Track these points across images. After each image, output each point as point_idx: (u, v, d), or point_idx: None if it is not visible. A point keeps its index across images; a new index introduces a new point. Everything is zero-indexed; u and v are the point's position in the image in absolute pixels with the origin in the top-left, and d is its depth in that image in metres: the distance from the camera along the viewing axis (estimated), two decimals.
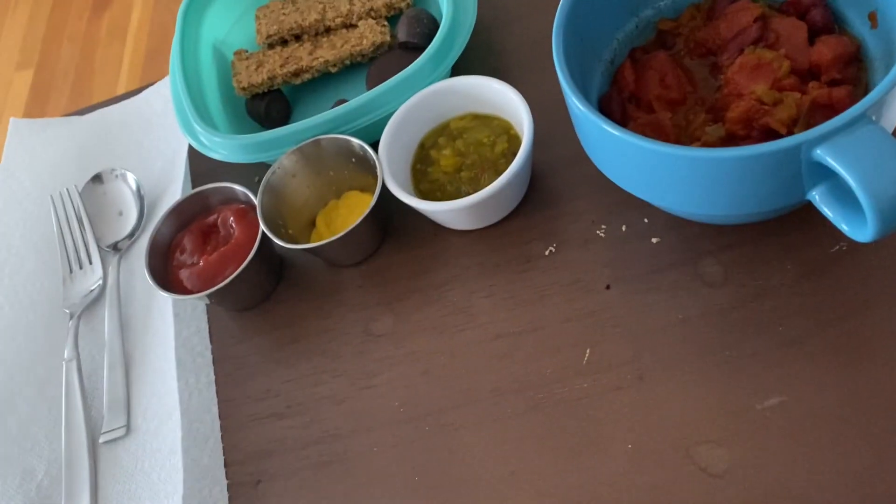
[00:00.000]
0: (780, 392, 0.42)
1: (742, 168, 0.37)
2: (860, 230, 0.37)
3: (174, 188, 0.61)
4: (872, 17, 0.43)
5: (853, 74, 0.43)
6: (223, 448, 0.51)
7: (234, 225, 0.54)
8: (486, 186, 0.49)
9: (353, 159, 0.54)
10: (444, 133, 0.54)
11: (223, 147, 0.56)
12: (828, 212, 0.39)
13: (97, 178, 0.64)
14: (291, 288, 0.56)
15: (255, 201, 0.53)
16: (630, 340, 0.46)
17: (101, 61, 2.01)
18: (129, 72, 1.89)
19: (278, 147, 0.55)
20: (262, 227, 0.52)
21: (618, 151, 0.41)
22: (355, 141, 0.53)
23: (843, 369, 0.42)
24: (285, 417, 0.51)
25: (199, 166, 0.64)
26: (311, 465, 0.49)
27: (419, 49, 0.58)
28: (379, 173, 0.51)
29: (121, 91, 1.83)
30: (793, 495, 0.40)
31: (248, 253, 0.52)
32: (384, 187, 0.51)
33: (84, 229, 0.63)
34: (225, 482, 0.50)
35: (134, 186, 0.63)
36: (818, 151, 0.36)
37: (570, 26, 0.45)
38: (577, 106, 0.41)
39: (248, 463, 0.50)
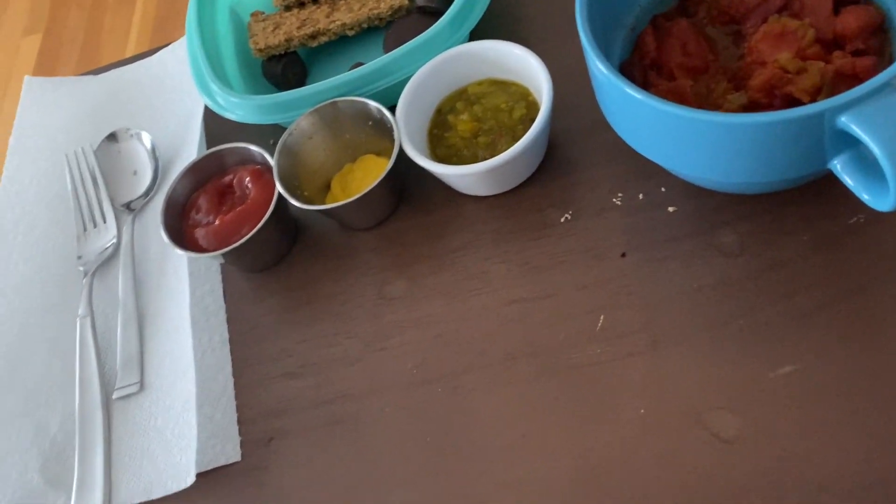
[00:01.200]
0: (793, 361, 0.43)
1: (765, 134, 0.37)
2: (881, 199, 0.37)
3: (189, 149, 0.61)
4: None
5: (878, 45, 0.43)
6: (236, 406, 0.52)
7: (249, 185, 0.54)
8: (503, 152, 0.48)
9: (370, 122, 0.54)
10: (461, 98, 0.54)
11: (239, 107, 0.56)
12: (849, 181, 0.39)
13: (112, 137, 0.64)
14: (306, 250, 0.57)
15: (272, 162, 0.53)
16: (644, 308, 0.47)
17: (110, 26, 2.00)
18: (138, 38, 1.88)
19: (295, 109, 0.55)
20: (279, 187, 0.52)
21: (639, 116, 0.41)
22: (372, 103, 0.53)
23: (857, 340, 0.42)
24: (298, 377, 0.51)
25: (214, 129, 0.63)
26: (323, 424, 0.49)
27: (438, 13, 0.58)
28: (396, 136, 0.51)
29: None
30: (803, 462, 0.40)
31: (264, 213, 0.52)
32: (400, 151, 0.51)
33: (98, 188, 0.63)
34: (237, 439, 0.50)
35: (149, 146, 0.63)
36: (842, 119, 0.36)
37: None
38: (600, 69, 0.41)
39: (261, 421, 0.51)
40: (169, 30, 1.84)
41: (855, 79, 0.41)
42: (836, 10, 0.44)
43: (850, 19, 0.43)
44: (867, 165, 0.38)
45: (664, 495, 0.41)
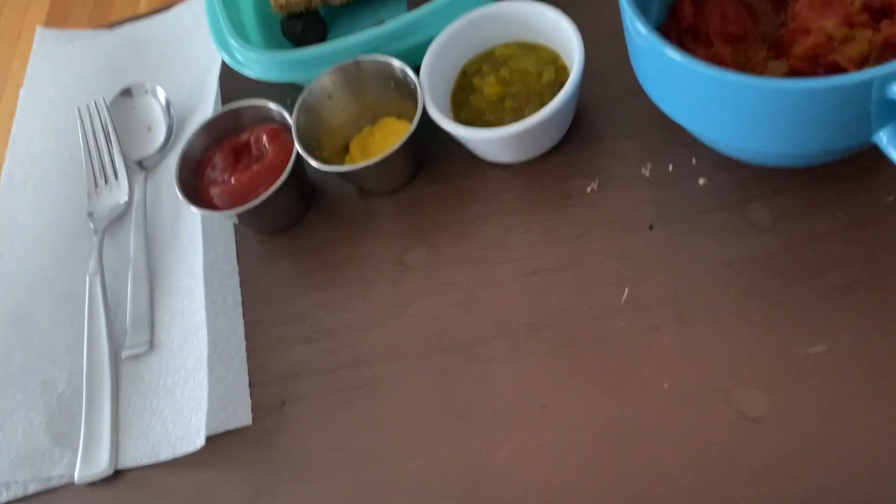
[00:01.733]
0: (824, 340, 0.41)
1: (811, 101, 0.36)
2: None
3: (204, 107, 0.60)
4: None
5: None
6: (248, 369, 0.50)
7: (266, 145, 0.53)
8: (529, 117, 0.47)
9: (393, 83, 0.53)
10: (488, 61, 0.53)
11: (258, 63, 0.55)
12: (895, 153, 0.37)
13: (126, 92, 0.62)
14: (322, 214, 0.55)
15: (290, 121, 0.52)
16: (671, 281, 0.45)
17: None
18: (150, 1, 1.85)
19: (315, 66, 0.54)
20: (297, 146, 0.51)
21: (679, 81, 0.39)
22: (396, 63, 0.52)
23: (890, 320, 0.41)
24: (313, 341, 0.50)
25: (230, 88, 0.62)
26: (337, 389, 0.48)
27: None
28: (420, 98, 0.50)
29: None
30: (831, 443, 0.39)
31: (281, 174, 0.51)
32: (423, 114, 0.50)
33: (111, 143, 0.61)
34: (249, 402, 0.49)
35: (164, 102, 0.62)
36: (894, 88, 0.34)
37: None
38: (639, 30, 0.39)
39: (274, 384, 0.50)
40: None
41: None
42: None
43: None
44: None
45: (686, 471, 0.40)
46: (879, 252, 0.43)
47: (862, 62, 0.39)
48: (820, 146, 0.39)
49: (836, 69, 0.40)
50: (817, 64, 0.41)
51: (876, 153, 0.39)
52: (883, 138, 0.38)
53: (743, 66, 0.44)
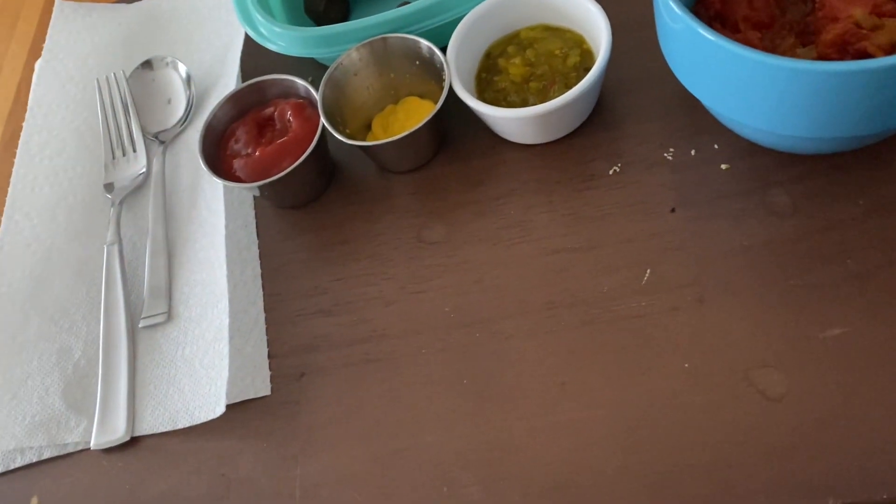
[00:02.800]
0: (843, 324, 0.42)
1: (841, 84, 0.36)
2: None
3: (226, 81, 0.60)
4: None
5: None
6: (267, 340, 0.51)
7: (291, 119, 0.53)
8: (554, 99, 0.47)
9: (418, 62, 0.53)
10: (513, 42, 0.53)
11: (282, 38, 0.55)
12: None
13: (147, 65, 0.63)
14: (342, 190, 0.56)
15: (315, 96, 0.52)
16: (692, 264, 0.46)
17: None
18: None
19: (340, 43, 0.54)
20: (323, 119, 0.51)
21: (710, 61, 0.40)
22: (424, 42, 0.52)
23: None
24: (332, 315, 0.51)
25: (250, 65, 0.62)
26: (356, 362, 0.49)
27: None
28: (447, 77, 0.50)
29: None
30: (849, 425, 0.40)
31: (305, 149, 0.51)
32: (449, 92, 0.50)
33: (129, 115, 0.61)
34: (268, 373, 0.49)
35: (184, 75, 0.62)
36: None
37: None
38: (672, 8, 0.40)
39: (293, 356, 0.50)
40: None
41: None
42: None
43: None
44: None
45: (704, 449, 0.41)
46: None
47: (891, 50, 0.40)
48: (846, 131, 0.39)
49: (865, 56, 0.40)
50: (846, 51, 0.41)
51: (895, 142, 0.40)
52: None
53: (771, 52, 0.44)
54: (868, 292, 0.43)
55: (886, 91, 0.36)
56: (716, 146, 0.49)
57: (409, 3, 0.55)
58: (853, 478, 0.38)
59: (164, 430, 0.49)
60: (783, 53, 0.44)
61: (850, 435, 0.39)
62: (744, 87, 0.39)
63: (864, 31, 0.41)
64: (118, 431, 0.49)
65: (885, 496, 0.38)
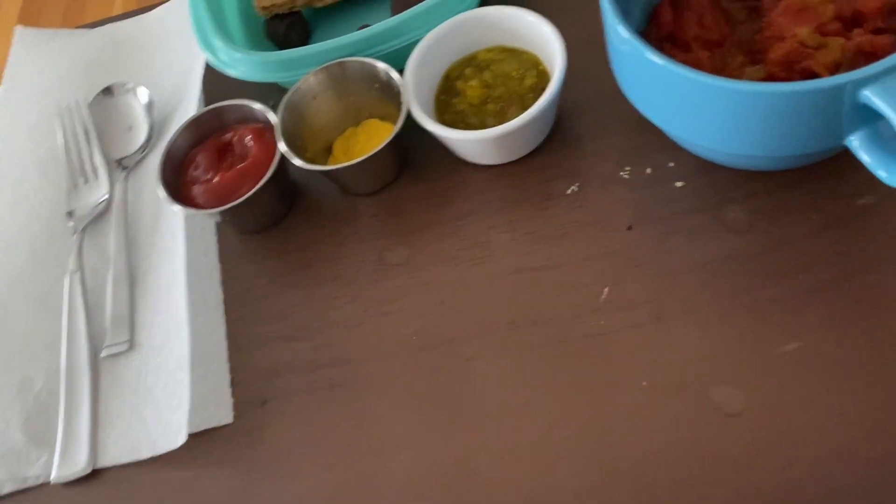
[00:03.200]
0: (799, 338, 0.43)
1: (785, 104, 0.37)
2: None
3: (187, 106, 0.60)
4: None
5: None
6: (230, 367, 0.50)
7: (250, 144, 0.53)
8: (512, 120, 0.48)
9: (377, 85, 0.53)
10: (471, 64, 0.54)
11: (242, 63, 0.55)
12: (865, 157, 0.39)
13: (107, 91, 0.62)
14: (304, 214, 0.56)
15: (274, 120, 0.52)
16: (649, 281, 0.46)
17: None
18: (125, 3, 1.84)
19: (299, 67, 0.54)
20: (282, 144, 0.51)
21: (659, 83, 0.40)
22: (381, 65, 0.52)
23: (862, 319, 0.42)
24: (295, 340, 0.51)
25: (212, 89, 0.62)
26: (319, 387, 0.48)
27: None
28: (404, 99, 0.50)
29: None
30: (806, 437, 0.40)
31: (265, 173, 0.51)
32: (407, 115, 0.50)
33: (91, 142, 0.61)
34: (230, 401, 0.49)
35: (145, 101, 0.61)
36: (865, 92, 0.36)
37: None
38: (621, 33, 0.40)
39: (256, 382, 0.50)
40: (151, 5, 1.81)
41: (873, 56, 0.41)
42: None
43: None
44: (884, 143, 0.39)
45: (664, 465, 0.41)
46: (852, 253, 0.44)
47: (835, 68, 0.41)
48: (795, 149, 0.40)
49: (810, 75, 0.41)
50: (792, 70, 0.42)
51: (848, 157, 0.41)
52: (854, 142, 0.39)
53: (720, 71, 0.45)
54: (822, 306, 0.43)
55: (830, 110, 0.37)
56: (671, 164, 0.49)
57: (369, 25, 0.55)
58: (810, 490, 0.39)
59: (126, 461, 0.49)
60: (732, 72, 0.44)
61: (807, 448, 0.40)
62: (692, 107, 0.40)
63: (809, 50, 0.41)
64: (80, 464, 0.49)
65: None
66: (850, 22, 0.43)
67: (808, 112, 0.37)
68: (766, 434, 0.41)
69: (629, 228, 0.48)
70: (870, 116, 0.37)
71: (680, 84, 0.39)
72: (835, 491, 0.39)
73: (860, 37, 0.41)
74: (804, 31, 0.42)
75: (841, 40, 0.41)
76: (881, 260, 0.43)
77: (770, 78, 0.43)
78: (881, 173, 0.38)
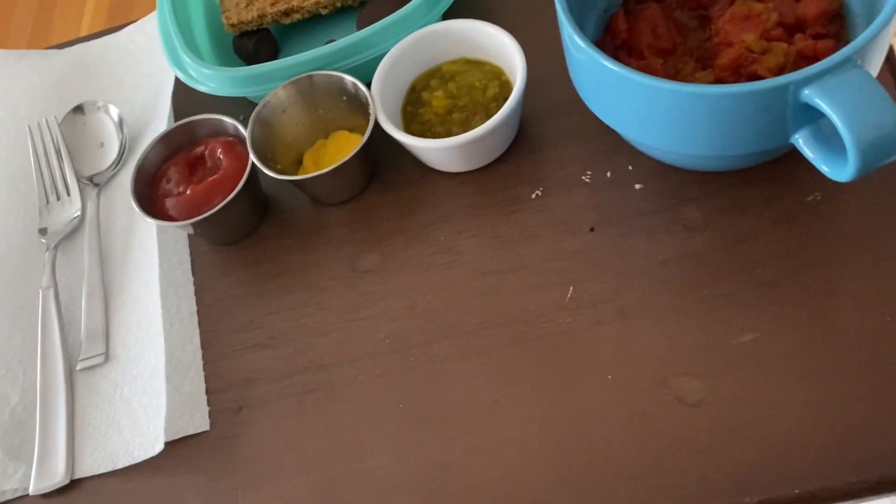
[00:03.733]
0: (755, 329, 0.44)
1: (733, 105, 0.39)
2: (840, 171, 0.39)
3: (157, 123, 0.61)
4: None
5: (836, 30, 0.45)
6: (205, 376, 0.51)
7: (221, 157, 0.54)
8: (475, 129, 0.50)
9: (345, 97, 0.55)
10: (436, 76, 0.55)
11: (211, 79, 0.56)
12: (809, 154, 0.41)
13: (78, 109, 0.63)
14: (276, 225, 0.57)
15: (244, 133, 0.54)
16: (612, 279, 0.48)
17: (61, 13, 1.96)
18: (91, 25, 1.84)
19: (268, 82, 0.55)
20: (252, 156, 0.52)
21: (614, 89, 0.42)
22: (348, 78, 0.54)
23: (814, 309, 0.44)
24: (269, 348, 0.52)
25: (183, 105, 0.63)
26: (294, 393, 0.49)
27: None
28: (371, 110, 0.52)
29: None
30: (764, 423, 0.42)
31: (236, 185, 0.52)
32: (375, 125, 0.52)
33: (62, 160, 0.62)
34: (206, 409, 0.50)
35: (116, 119, 0.62)
36: (806, 92, 0.38)
37: None
38: (577, 42, 0.42)
39: (231, 391, 0.51)
40: (125, 16, 1.81)
41: (815, 60, 0.43)
42: None
43: (811, 5, 0.45)
44: (827, 140, 0.41)
45: (630, 455, 0.43)
46: (802, 248, 0.46)
47: (779, 71, 0.43)
48: (744, 148, 0.42)
49: (756, 78, 0.43)
50: (739, 74, 0.44)
51: (797, 156, 0.43)
52: (799, 140, 0.41)
53: (673, 76, 0.47)
54: (776, 299, 0.45)
55: (774, 109, 0.39)
56: (630, 167, 0.51)
57: (334, 40, 0.57)
58: (767, 475, 0.41)
59: (104, 470, 0.49)
60: (684, 77, 0.46)
61: (765, 434, 0.42)
62: (646, 111, 0.42)
63: (755, 55, 0.44)
64: (57, 475, 0.49)
65: (796, 491, 0.40)
66: (793, 28, 0.45)
67: (755, 112, 0.39)
68: (725, 422, 0.42)
69: (592, 230, 0.50)
70: (813, 115, 0.39)
71: (634, 89, 0.41)
72: (791, 476, 0.40)
73: (802, 42, 0.44)
74: (750, 38, 0.44)
75: (784, 45, 0.44)
76: (829, 253, 0.46)
77: (719, 82, 0.45)
78: (824, 168, 0.40)
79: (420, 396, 0.47)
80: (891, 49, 1.13)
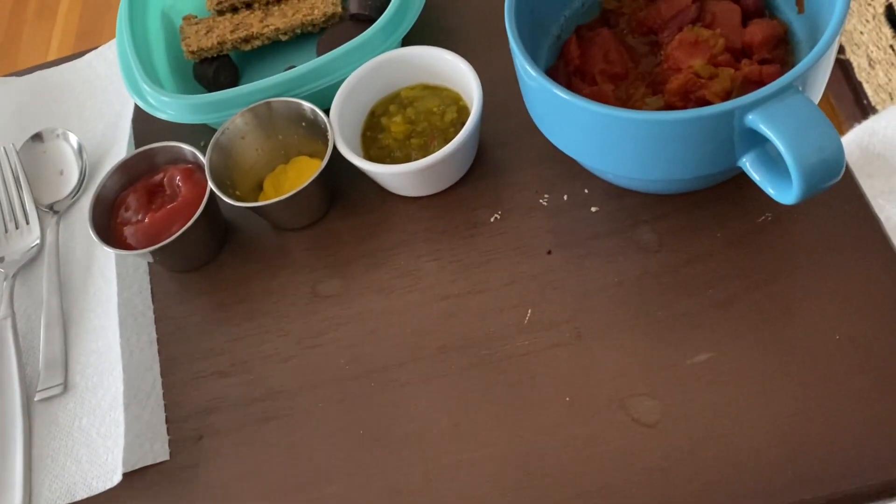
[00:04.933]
0: (709, 349, 0.45)
1: (681, 130, 0.40)
2: (785, 193, 0.40)
3: (117, 150, 0.61)
4: (799, 3, 0.47)
5: (781, 55, 0.47)
6: (165, 405, 0.51)
7: (180, 184, 0.54)
8: (434, 153, 0.50)
9: (304, 123, 0.55)
10: (394, 101, 0.56)
11: (171, 107, 0.56)
12: (756, 176, 0.42)
13: (37, 137, 0.63)
14: (236, 251, 0.57)
15: (203, 160, 0.54)
16: (569, 301, 0.49)
17: (28, 40, 1.95)
18: (59, 50, 1.83)
19: (227, 108, 0.55)
20: (210, 184, 0.52)
21: (565, 116, 0.43)
22: (306, 104, 0.54)
23: (766, 328, 0.45)
24: (229, 375, 0.51)
25: (143, 132, 0.63)
26: (255, 420, 0.49)
27: (370, 21, 0.59)
28: (330, 136, 0.52)
29: None
30: (719, 442, 0.42)
31: (195, 212, 0.52)
32: (334, 151, 0.52)
33: (21, 188, 0.61)
34: (166, 438, 0.50)
35: (76, 146, 0.62)
36: (750, 117, 0.39)
37: (522, 1, 0.47)
38: (529, 71, 0.43)
39: (191, 419, 0.50)
40: (91, 43, 1.80)
41: (761, 84, 0.44)
42: (744, 23, 0.47)
43: (757, 31, 0.46)
44: (772, 162, 0.42)
45: (589, 476, 0.43)
46: (755, 267, 0.47)
47: (726, 96, 0.44)
48: (693, 172, 0.43)
49: (704, 103, 0.44)
50: (688, 99, 0.45)
51: (748, 179, 0.44)
52: (746, 163, 0.42)
53: (625, 102, 0.48)
54: (729, 319, 0.46)
55: (721, 134, 0.40)
56: (586, 191, 0.52)
57: (294, 66, 0.57)
58: (723, 493, 0.41)
59: (62, 503, 0.48)
60: (636, 102, 0.47)
61: (719, 453, 0.42)
62: (596, 137, 0.42)
63: (703, 80, 0.45)
64: None
65: None
66: (740, 53, 0.46)
67: (702, 136, 0.40)
68: (681, 442, 0.43)
69: (549, 252, 0.51)
70: (758, 139, 0.40)
71: (585, 116, 0.41)
72: (745, 493, 0.41)
73: (748, 67, 0.45)
74: (698, 63, 0.45)
75: (731, 70, 0.45)
76: (779, 272, 0.46)
77: (669, 107, 0.46)
78: (770, 191, 0.41)
79: (380, 422, 0.47)
80: (851, 66, 1.15)
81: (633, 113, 0.40)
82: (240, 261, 0.56)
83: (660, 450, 0.43)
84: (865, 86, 1.23)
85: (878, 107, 1.23)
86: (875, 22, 1.18)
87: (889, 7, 1.14)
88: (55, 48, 1.89)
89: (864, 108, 1.23)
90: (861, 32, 1.21)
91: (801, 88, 0.39)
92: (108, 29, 1.90)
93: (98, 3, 1.97)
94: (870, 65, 1.22)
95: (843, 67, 1.26)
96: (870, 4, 1.18)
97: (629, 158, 0.43)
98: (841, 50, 1.25)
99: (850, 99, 1.26)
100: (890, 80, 1.18)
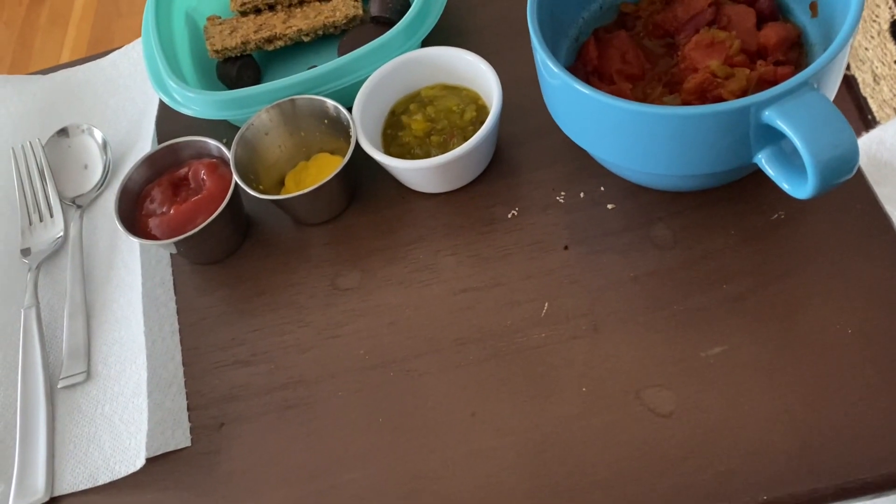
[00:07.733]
0: (723, 342, 0.46)
1: (699, 125, 0.41)
2: (800, 188, 0.41)
3: (141, 146, 0.62)
4: (813, 7, 0.48)
5: (795, 57, 0.48)
6: (187, 393, 0.52)
7: (205, 178, 0.55)
8: (454, 150, 0.51)
9: (326, 121, 0.56)
10: (414, 100, 0.57)
11: (196, 103, 0.58)
12: (771, 171, 0.43)
13: (63, 132, 0.64)
14: (257, 245, 0.58)
15: (228, 155, 0.55)
16: (585, 295, 0.50)
17: (40, 48, 1.97)
18: (72, 57, 1.85)
19: (251, 105, 0.57)
20: (235, 177, 0.53)
21: (586, 112, 0.44)
22: (330, 102, 0.55)
23: (779, 322, 0.46)
24: (250, 365, 0.52)
25: (166, 130, 0.64)
26: (275, 409, 0.50)
27: (391, 24, 0.61)
28: (352, 132, 0.54)
29: None
30: (732, 432, 0.43)
31: (219, 205, 0.53)
32: (356, 147, 0.53)
33: (46, 181, 0.63)
34: (188, 425, 0.51)
35: (100, 141, 0.63)
36: (767, 113, 0.40)
37: (542, 3, 0.48)
38: (551, 67, 0.44)
39: (212, 407, 0.51)
40: (103, 52, 1.82)
41: (776, 84, 0.45)
42: (759, 26, 0.49)
43: (771, 34, 0.48)
44: (788, 159, 0.43)
45: (603, 465, 0.44)
46: (767, 264, 0.48)
47: (742, 95, 0.45)
48: (710, 167, 0.44)
49: (721, 101, 0.45)
50: (705, 98, 0.46)
51: (762, 177, 0.45)
52: (762, 159, 0.43)
53: (642, 100, 0.49)
54: (743, 313, 0.47)
55: (738, 130, 0.41)
56: (602, 188, 0.53)
57: (316, 66, 0.59)
58: (736, 482, 0.42)
59: (84, 487, 0.49)
60: (653, 101, 0.48)
61: (732, 443, 0.43)
62: (617, 132, 0.44)
63: (720, 80, 0.46)
64: (37, 493, 0.49)
65: (764, 497, 0.41)
66: (755, 55, 0.48)
67: (719, 132, 0.41)
68: (695, 432, 0.44)
69: (566, 248, 0.52)
70: (774, 136, 0.41)
71: (605, 111, 0.43)
72: (758, 483, 0.42)
73: (763, 67, 0.46)
74: (714, 63, 0.46)
75: (747, 71, 0.46)
76: (792, 268, 0.47)
77: (686, 105, 0.47)
78: (785, 186, 0.42)
79: (399, 410, 0.48)
80: (856, 81, 1.17)
81: (654, 108, 0.41)
82: (261, 254, 0.57)
83: (674, 439, 0.44)
84: (870, 101, 1.24)
85: (882, 122, 1.24)
86: (880, 38, 1.20)
87: (894, 23, 1.16)
88: (67, 56, 1.91)
89: (868, 124, 1.25)
90: (866, 48, 1.23)
91: (816, 86, 0.40)
92: (119, 36, 1.92)
93: (110, 11, 1.99)
94: (874, 80, 1.23)
95: (847, 83, 1.28)
96: (875, 21, 1.19)
97: (648, 153, 0.44)
98: (846, 66, 1.26)
99: (854, 114, 1.28)
100: (895, 95, 1.20)
